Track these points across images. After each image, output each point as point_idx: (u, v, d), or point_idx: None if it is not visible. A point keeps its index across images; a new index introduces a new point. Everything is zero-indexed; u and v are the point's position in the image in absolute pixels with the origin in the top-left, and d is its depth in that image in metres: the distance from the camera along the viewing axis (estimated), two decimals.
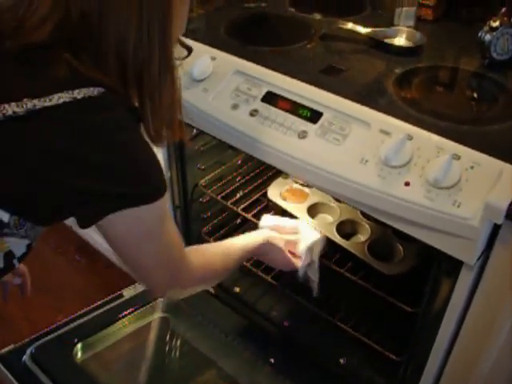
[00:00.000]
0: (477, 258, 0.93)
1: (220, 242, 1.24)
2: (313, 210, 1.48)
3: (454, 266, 0.98)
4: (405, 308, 1.23)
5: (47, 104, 0.77)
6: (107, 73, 0.82)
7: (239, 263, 1.24)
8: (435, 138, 0.97)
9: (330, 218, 1.48)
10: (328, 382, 1.36)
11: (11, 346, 1.40)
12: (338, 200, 1.46)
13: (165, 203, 0.89)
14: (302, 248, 1.33)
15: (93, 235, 2.14)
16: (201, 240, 1.57)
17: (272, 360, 1.40)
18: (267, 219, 1.39)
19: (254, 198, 1.62)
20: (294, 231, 1.38)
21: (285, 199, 1.51)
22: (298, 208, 1.48)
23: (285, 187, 1.55)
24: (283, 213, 1.47)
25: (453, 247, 0.93)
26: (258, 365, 1.41)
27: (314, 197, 1.51)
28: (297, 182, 1.54)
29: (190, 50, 1.05)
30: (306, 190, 1.54)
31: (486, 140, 0.98)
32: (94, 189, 0.80)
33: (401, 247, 1.37)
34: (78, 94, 0.78)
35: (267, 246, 1.27)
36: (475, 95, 1.23)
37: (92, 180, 0.80)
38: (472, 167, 0.91)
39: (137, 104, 0.87)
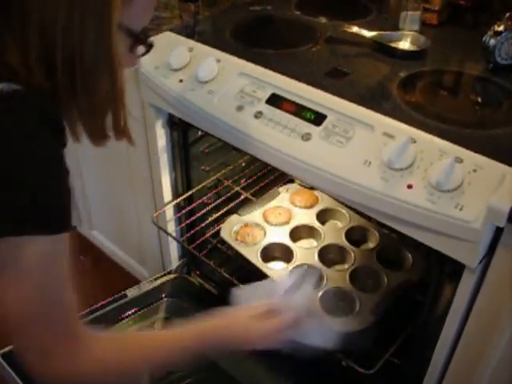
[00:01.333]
0: (479, 260, 0.93)
1: (146, 333, 1.02)
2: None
3: (456, 269, 0.98)
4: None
5: None
6: (27, 56, 0.71)
7: (169, 358, 0.90)
8: (438, 141, 0.97)
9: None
10: None
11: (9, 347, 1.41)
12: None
13: (66, 244, 0.74)
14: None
15: (96, 236, 2.15)
16: (206, 242, 1.57)
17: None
18: (241, 295, 1.05)
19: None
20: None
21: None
22: (250, 251, 1.39)
23: (238, 225, 1.47)
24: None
25: (455, 250, 0.94)
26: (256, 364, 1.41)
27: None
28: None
29: (149, 46, 0.88)
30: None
31: (489, 144, 0.98)
32: None
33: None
34: None
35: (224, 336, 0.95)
36: (479, 99, 1.24)
37: None
38: (475, 170, 0.91)
39: (66, 101, 0.76)
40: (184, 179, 1.51)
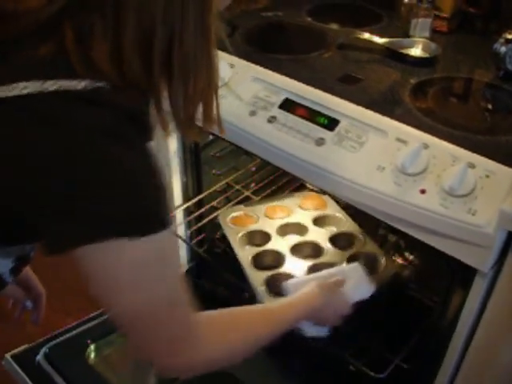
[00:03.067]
0: (491, 265, 0.94)
1: (250, 308, 1.00)
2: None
3: (467, 274, 0.99)
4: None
5: (9, 94, 0.63)
6: (121, 48, 0.66)
7: (273, 334, 0.94)
8: (450, 146, 0.98)
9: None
10: None
11: (25, 346, 1.42)
12: None
13: (167, 242, 0.73)
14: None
15: None
16: (215, 246, 1.58)
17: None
18: (292, 286, 1.16)
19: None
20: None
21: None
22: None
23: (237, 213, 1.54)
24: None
25: (467, 255, 0.94)
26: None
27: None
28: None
29: (234, 27, 0.85)
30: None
31: (501, 150, 0.99)
32: (67, 207, 0.65)
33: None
34: (52, 85, 0.63)
35: (322, 300, 1.05)
36: (490, 106, 1.24)
37: (65, 196, 0.65)
38: (487, 176, 0.92)
39: (162, 95, 0.72)
40: (194, 183, 1.52)
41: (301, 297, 1.03)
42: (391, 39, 1.33)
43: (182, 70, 0.70)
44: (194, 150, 1.45)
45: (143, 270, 0.70)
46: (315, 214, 1.53)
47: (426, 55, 1.33)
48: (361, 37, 1.36)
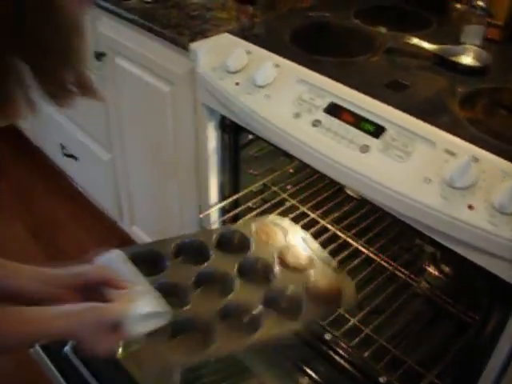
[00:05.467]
0: None
1: None
2: None
3: (509, 293, 0.96)
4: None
5: None
6: None
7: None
8: (501, 161, 0.95)
9: None
10: None
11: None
12: None
13: None
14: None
15: (137, 231, 2.16)
16: None
17: (312, 373, 1.38)
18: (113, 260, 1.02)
19: (302, 209, 1.60)
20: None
21: None
22: None
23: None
24: None
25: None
26: (294, 374, 1.39)
27: None
28: None
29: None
30: None
31: None
32: None
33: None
34: None
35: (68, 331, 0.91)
36: None
37: None
38: None
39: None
40: (231, 182, 1.50)
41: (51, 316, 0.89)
42: (441, 46, 1.30)
43: (30, 37, 0.64)
44: (232, 148, 1.44)
45: None
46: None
47: (477, 64, 1.29)
48: (409, 42, 1.32)
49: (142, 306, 0.93)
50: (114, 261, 1.02)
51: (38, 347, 1.38)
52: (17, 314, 0.86)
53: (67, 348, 1.38)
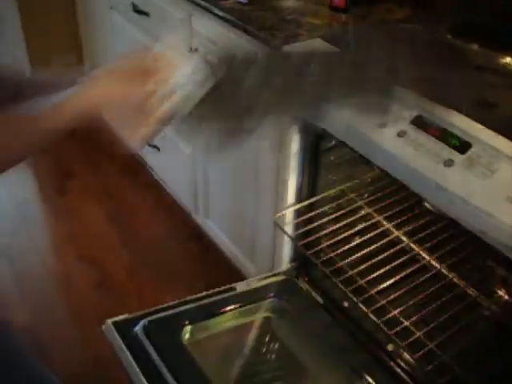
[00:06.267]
0: None
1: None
2: None
3: None
4: None
5: None
6: None
7: (34, 143, 0.80)
8: None
9: None
10: None
11: (126, 316, 1.48)
12: None
13: None
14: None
15: (211, 224, 2.21)
16: (320, 252, 1.58)
17: (371, 381, 1.39)
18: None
19: (377, 218, 1.61)
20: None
21: None
22: None
23: None
24: None
25: None
26: (353, 380, 1.40)
27: None
28: None
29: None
30: None
31: None
32: None
33: None
34: None
35: (97, 105, 0.82)
36: None
37: None
38: None
39: None
40: (309, 186, 1.53)
41: (79, 93, 0.82)
42: None
43: None
44: (314, 153, 1.46)
45: None
46: None
47: None
48: (501, 60, 1.32)
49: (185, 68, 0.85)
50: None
51: (109, 323, 1.45)
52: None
53: (137, 328, 1.44)
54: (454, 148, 1.06)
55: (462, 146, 1.06)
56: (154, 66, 0.84)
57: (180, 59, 0.86)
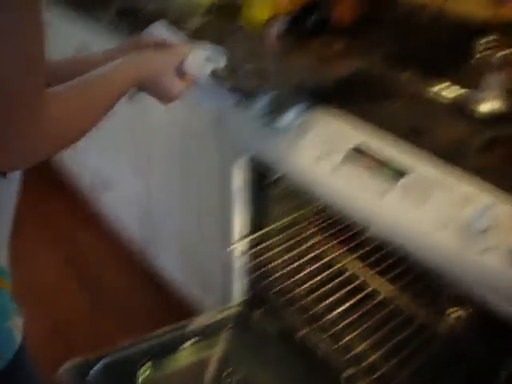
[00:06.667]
0: None
1: (91, 77, 0.90)
2: None
3: None
4: None
5: None
6: None
7: (112, 99, 0.92)
8: None
9: None
10: None
11: (83, 358, 1.46)
12: None
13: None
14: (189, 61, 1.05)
15: (163, 262, 2.21)
16: (273, 282, 1.61)
17: None
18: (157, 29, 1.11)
19: (326, 246, 1.65)
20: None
21: None
22: None
23: None
24: None
25: None
26: None
27: None
28: None
29: None
30: None
31: None
32: None
33: None
34: None
35: (147, 68, 1.00)
36: None
37: None
38: None
39: None
40: (258, 218, 1.55)
41: (132, 59, 0.99)
42: (462, 93, 1.34)
43: None
44: (260, 185, 1.49)
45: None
46: None
47: (498, 111, 1.33)
48: (431, 88, 1.37)
49: (202, 50, 1.08)
50: (158, 27, 1.11)
51: (67, 367, 1.42)
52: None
53: (95, 370, 1.42)
54: (389, 177, 1.11)
55: (397, 174, 1.10)
56: (171, 42, 1.07)
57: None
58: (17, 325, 0.95)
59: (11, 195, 0.90)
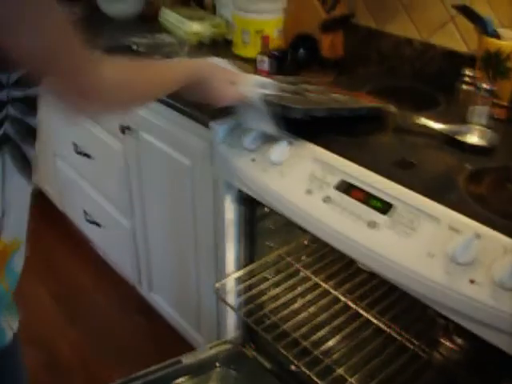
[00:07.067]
0: None
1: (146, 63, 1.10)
2: None
3: None
4: None
5: None
6: None
7: (166, 85, 1.07)
8: (503, 238, 0.99)
9: None
10: None
11: None
12: None
13: None
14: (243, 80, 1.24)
15: (155, 297, 2.20)
16: (264, 317, 1.59)
17: None
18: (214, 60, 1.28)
19: (315, 280, 1.64)
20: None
21: None
22: None
23: None
24: None
25: None
26: None
27: None
28: None
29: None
30: None
31: None
32: None
33: None
34: None
35: (204, 71, 1.14)
36: None
37: None
38: None
39: None
40: (247, 253, 1.55)
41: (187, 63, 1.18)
42: (448, 125, 1.36)
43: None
44: (249, 220, 1.50)
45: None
46: None
47: (483, 143, 1.35)
48: (418, 121, 1.38)
49: (254, 76, 1.29)
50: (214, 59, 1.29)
51: None
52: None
53: None
54: (376, 209, 1.12)
55: (384, 207, 1.11)
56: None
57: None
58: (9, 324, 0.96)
59: (28, 199, 0.98)
